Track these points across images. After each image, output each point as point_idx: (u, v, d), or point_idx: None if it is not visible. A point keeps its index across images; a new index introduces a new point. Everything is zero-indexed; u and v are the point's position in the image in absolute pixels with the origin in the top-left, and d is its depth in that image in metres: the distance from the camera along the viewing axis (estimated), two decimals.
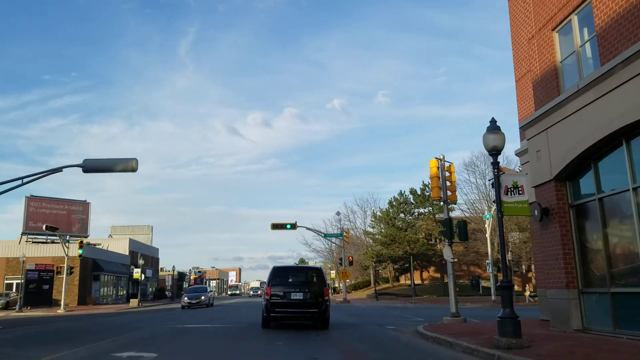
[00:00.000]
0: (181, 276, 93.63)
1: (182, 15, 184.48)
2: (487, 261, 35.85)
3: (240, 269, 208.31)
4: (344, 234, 47.36)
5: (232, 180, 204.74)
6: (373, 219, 70.12)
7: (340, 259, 48.40)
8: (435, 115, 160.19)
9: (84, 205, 55.82)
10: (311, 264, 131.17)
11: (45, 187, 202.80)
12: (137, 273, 49.76)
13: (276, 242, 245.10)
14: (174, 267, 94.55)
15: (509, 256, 50.03)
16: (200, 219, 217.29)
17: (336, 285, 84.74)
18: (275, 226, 44.65)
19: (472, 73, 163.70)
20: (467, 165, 58.96)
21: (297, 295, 14.78)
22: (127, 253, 66.44)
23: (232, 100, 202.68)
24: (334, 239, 57.20)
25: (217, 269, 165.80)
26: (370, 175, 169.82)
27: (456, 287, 19.12)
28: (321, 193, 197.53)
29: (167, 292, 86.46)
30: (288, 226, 44.65)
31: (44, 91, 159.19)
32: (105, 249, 63.51)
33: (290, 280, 15.45)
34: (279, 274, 15.62)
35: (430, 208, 59.19)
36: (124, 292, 62.26)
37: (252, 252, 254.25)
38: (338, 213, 53.24)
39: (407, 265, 59.56)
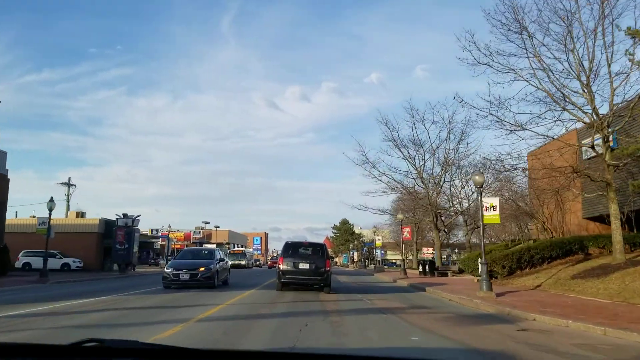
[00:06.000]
0: (109, 230, 44.76)
1: None
2: None
3: (266, 234, 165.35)
4: None
5: (272, 153, 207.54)
6: None
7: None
8: (476, 89, 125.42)
9: None
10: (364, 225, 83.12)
11: (90, 156, 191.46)
12: None
13: (315, 214, 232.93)
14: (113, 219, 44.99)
15: None
16: (241, 190, 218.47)
17: (430, 256, 34.03)
18: None
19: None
20: None
21: (304, 266, 17.74)
22: None
23: (272, 74, 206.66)
24: None
25: (226, 230, 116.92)
26: (399, 162, 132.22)
27: None
28: (359, 168, 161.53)
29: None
30: None
31: (91, 64, 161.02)
32: None
33: (299, 253, 18.34)
34: (290, 248, 18.67)
35: None
36: None
37: (290, 223, 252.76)
38: None
39: None
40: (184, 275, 17.68)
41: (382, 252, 77.62)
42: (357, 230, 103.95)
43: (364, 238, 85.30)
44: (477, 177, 16.66)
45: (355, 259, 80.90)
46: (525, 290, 18.90)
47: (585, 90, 19.17)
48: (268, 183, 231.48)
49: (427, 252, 67.42)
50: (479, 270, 31.61)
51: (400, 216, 31.72)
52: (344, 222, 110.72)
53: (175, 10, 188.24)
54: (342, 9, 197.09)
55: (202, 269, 18.07)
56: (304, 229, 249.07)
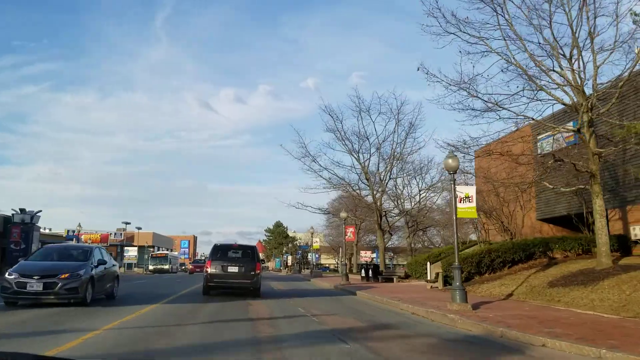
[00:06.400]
0: (7, 227, 38.07)
1: None
2: None
3: (195, 238, 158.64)
4: None
5: (205, 155, 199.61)
6: None
7: None
8: (407, 97, 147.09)
9: None
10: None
11: (13, 154, 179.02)
12: None
13: (248, 217, 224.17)
14: None
15: None
16: (171, 192, 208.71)
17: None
18: None
19: (445, 58, 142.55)
20: None
21: (233, 269, 16.93)
22: None
23: (206, 75, 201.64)
24: None
25: (150, 232, 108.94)
26: (343, 157, 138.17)
27: None
28: (295, 171, 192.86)
29: None
30: None
31: (15, 57, 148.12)
32: None
33: (228, 255, 17.53)
34: (219, 250, 17.76)
35: None
36: None
37: (222, 227, 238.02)
38: None
39: None
40: (35, 285, 11.59)
41: (317, 256, 74.11)
42: (291, 234, 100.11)
43: (298, 241, 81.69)
44: (449, 161, 13.28)
45: (289, 263, 76.98)
46: (499, 301, 15.77)
47: (563, 67, 16.41)
48: (200, 185, 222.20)
49: (365, 256, 64.67)
50: (428, 274, 28.70)
51: (343, 214, 28.22)
52: (278, 225, 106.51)
53: (106, 4, 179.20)
54: (279, 14, 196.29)
55: (65, 275, 11.99)
56: (235, 233, 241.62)
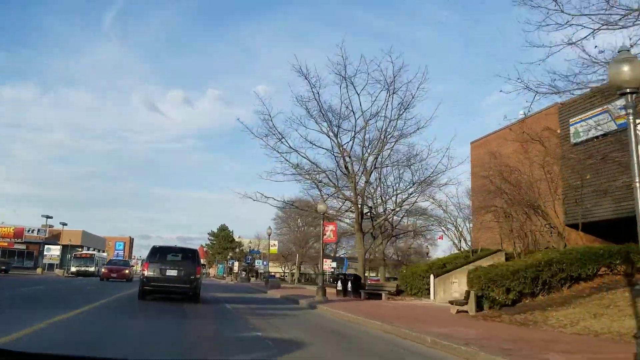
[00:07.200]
0: None
1: None
2: None
3: (131, 239, 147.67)
4: None
5: (148, 158, 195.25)
6: None
7: None
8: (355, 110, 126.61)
9: None
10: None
11: None
12: None
13: (191, 223, 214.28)
14: None
15: None
16: (112, 194, 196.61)
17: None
18: None
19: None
20: None
21: (172, 272, 16.00)
22: None
23: (155, 77, 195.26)
24: None
25: (79, 230, 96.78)
26: (318, 137, 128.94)
27: None
28: (242, 179, 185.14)
29: None
30: None
31: None
32: None
33: (167, 258, 16.81)
34: (158, 252, 17.01)
35: None
36: None
37: (162, 232, 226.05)
38: None
39: None
40: None
41: (265, 263, 66.68)
42: (236, 239, 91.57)
43: (249, 246, 73.57)
44: (624, 68, 6.28)
45: (235, 270, 68.60)
46: None
47: None
48: (141, 189, 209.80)
49: (326, 265, 57.57)
50: (431, 292, 21.63)
51: (322, 206, 20.94)
52: (223, 228, 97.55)
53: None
54: (232, 21, 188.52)
55: None
56: (176, 237, 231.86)
